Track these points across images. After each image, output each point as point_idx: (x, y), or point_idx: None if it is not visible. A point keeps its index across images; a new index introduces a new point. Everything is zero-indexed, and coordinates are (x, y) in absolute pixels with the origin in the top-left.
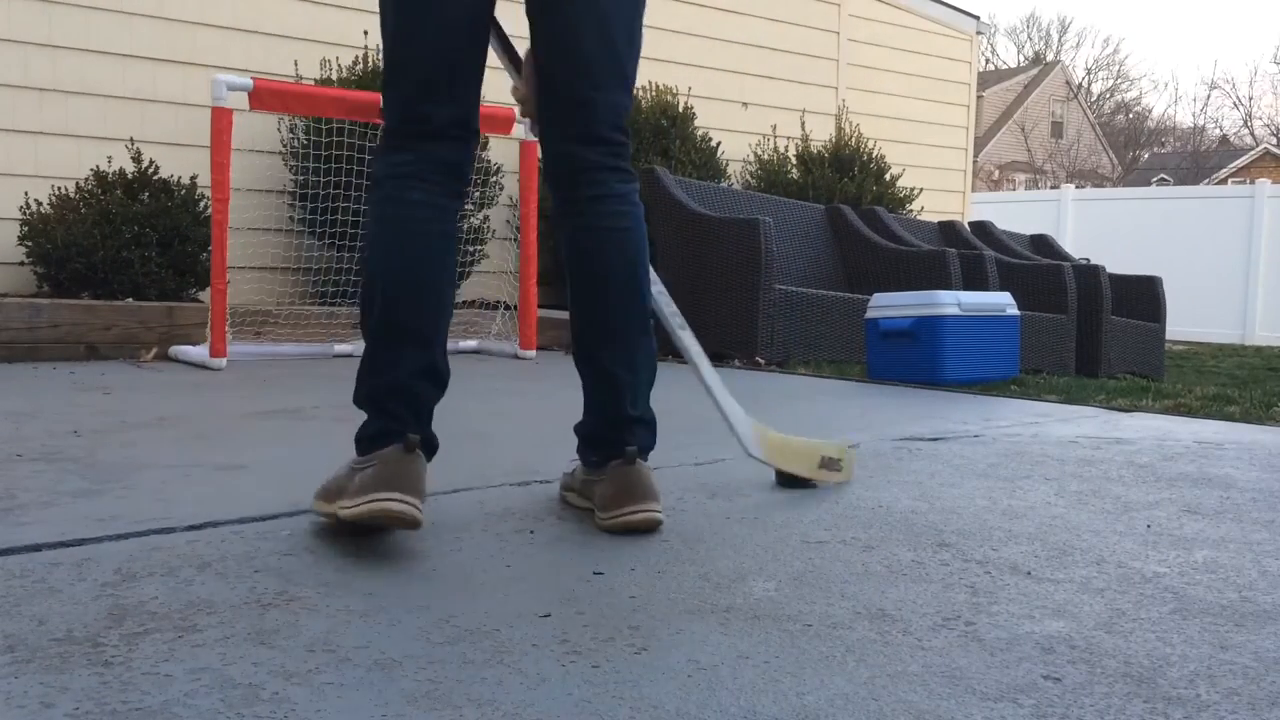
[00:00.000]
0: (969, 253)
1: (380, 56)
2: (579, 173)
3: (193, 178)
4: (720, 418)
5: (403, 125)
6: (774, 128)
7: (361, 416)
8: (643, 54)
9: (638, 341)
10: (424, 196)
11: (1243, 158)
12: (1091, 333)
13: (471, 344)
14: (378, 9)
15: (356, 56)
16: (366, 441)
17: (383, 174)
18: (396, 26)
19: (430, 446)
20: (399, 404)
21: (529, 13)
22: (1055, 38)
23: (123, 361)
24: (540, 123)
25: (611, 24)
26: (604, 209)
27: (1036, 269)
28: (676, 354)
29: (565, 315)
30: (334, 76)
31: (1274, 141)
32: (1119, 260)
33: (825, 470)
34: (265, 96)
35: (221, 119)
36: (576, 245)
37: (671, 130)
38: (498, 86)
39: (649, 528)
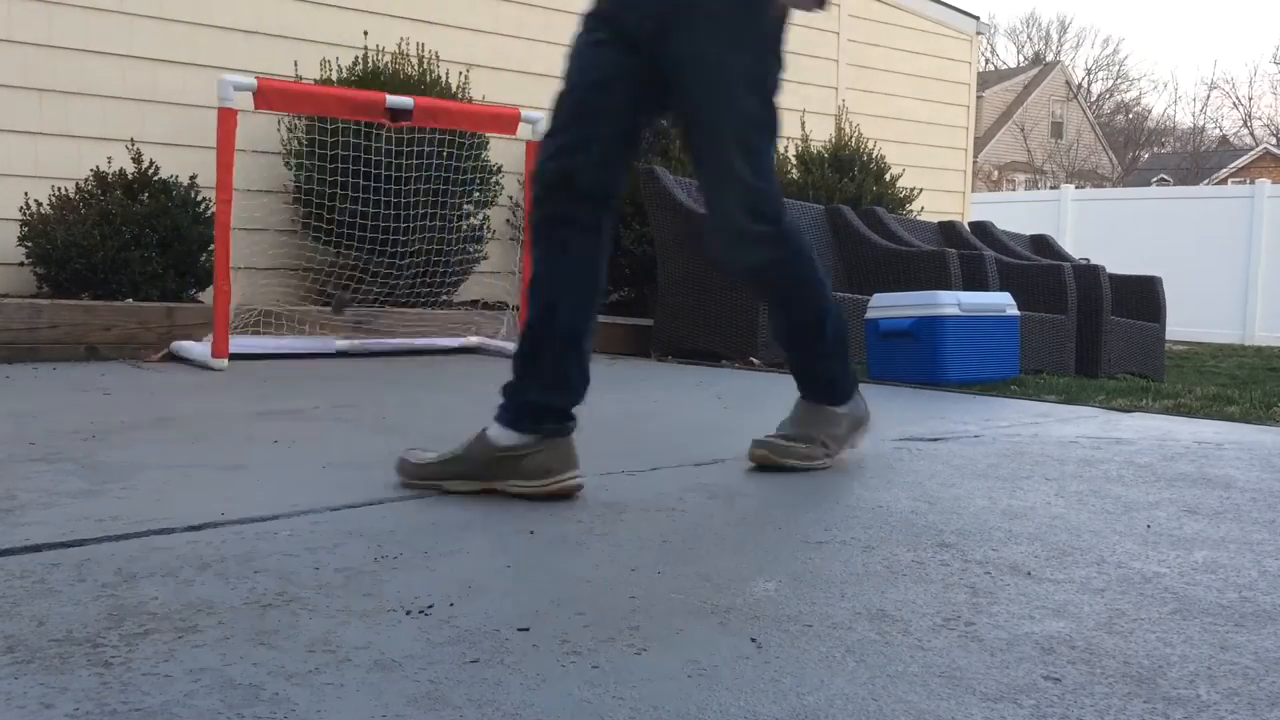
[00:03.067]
0: (969, 253)
1: (379, 56)
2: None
3: (192, 178)
4: None
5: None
6: None
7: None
8: None
9: None
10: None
11: (1243, 158)
12: (1091, 333)
13: (472, 344)
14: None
15: (356, 57)
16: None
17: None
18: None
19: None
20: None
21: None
22: (1055, 38)
23: (123, 362)
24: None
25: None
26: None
27: (1036, 269)
28: (679, 355)
29: None
30: (334, 77)
31: (1274, 141)
32: (1119, 260)
33: None
34: (270, 96)
35: (227, 120)
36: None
37: (671, 130)
38: (498, 85)
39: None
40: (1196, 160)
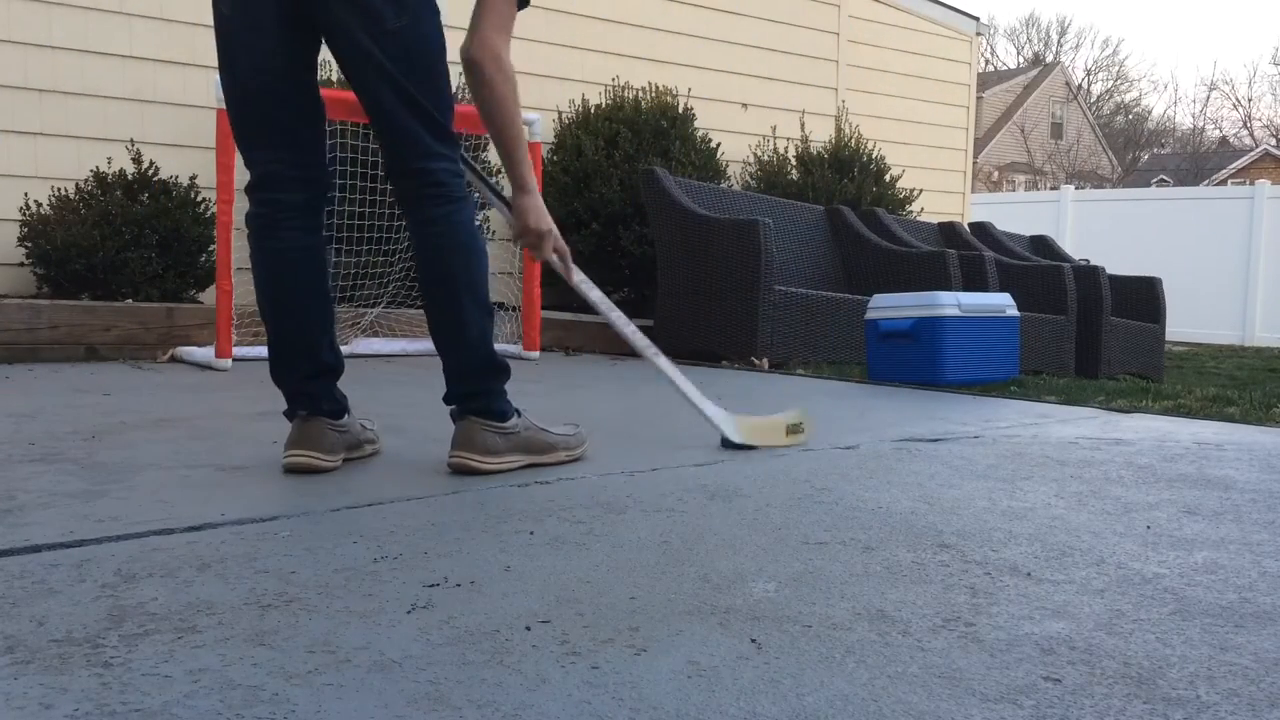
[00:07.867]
0: (969, 254)
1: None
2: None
3: (192, 178)
4: (697, 414)
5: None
6: (774, 129)
7: None
8: (643, 54)
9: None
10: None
11: (1242, 158)
12: (1091, 334)
13: None
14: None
15: None
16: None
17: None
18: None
19: (339, 410)
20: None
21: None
22: (1055, 38)
23: (122, 362)
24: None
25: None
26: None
27: (1036, 270)
28: (679, 356)
29: (568, 316)
30: (333, 78)
31: (1273, 142)
32: (1119, 261)
33: (793, 435)
34: None
35: (225, 120)
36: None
37: (671, 131)
38: None
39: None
40: (1196, 161)
